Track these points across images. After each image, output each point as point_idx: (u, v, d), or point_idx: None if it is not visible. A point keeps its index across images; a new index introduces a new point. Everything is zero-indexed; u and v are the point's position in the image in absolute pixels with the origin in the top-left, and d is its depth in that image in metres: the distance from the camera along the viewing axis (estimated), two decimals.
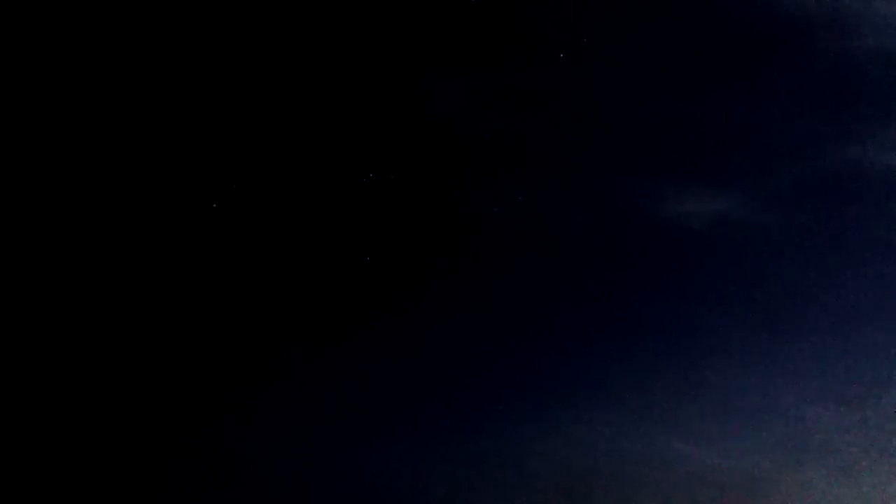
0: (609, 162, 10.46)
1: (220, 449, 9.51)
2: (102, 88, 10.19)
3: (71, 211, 9.96)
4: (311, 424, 9.70)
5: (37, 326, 9.68)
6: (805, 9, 10.37)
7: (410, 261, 10.25)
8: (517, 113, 10.53)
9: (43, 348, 9.64)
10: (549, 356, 10.08)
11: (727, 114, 10.45)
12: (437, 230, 10.36)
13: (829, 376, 9.88)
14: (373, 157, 10.39)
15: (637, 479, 9.64)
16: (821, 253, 10.17)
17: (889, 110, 10.27)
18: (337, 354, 9.92)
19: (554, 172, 10.45)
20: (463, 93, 10.45)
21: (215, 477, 9.39)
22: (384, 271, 10.20)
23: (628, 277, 10.25)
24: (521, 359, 10.06)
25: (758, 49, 10.48)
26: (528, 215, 10.35)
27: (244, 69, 10.39)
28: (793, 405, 9.82)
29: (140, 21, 10.28)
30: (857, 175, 10.26)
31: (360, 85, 10.48)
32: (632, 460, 9.71)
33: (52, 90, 10.12)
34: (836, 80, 10.38)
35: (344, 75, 10.48)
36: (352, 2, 10.48)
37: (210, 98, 10.31)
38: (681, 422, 9.80)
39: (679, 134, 10.45)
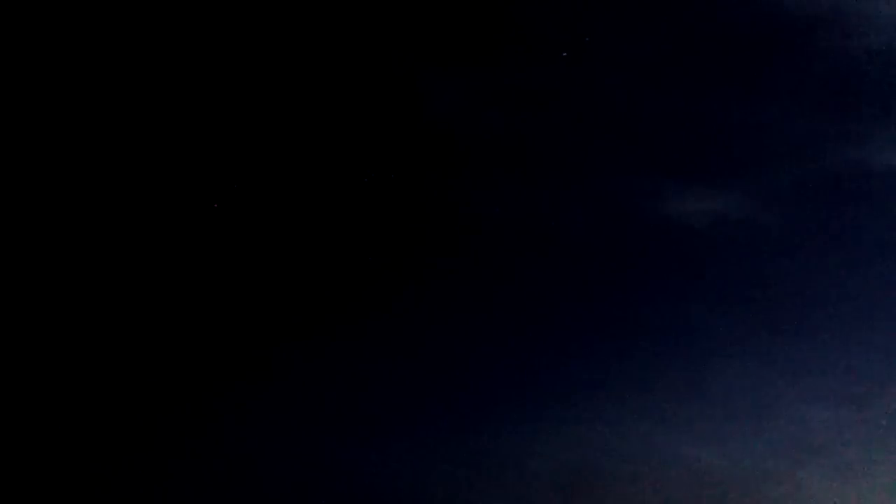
0: (609, 161, 10.46)
1: (220, 449, 9.52)
2: (103, 89, 10.19)
3: (72, 210, 9.97)
4: (311, 424, 9.71)
5: (37, 326, 9.68)
6: (805, 8, 10.37)
7: (410, 260, 10.25)
8: (517, 113, 10.53)
9: (43, 348, 9.64)
10: (549, 356, 10.09)
11: (727, 113, 10.44)
12: (437, 230, 10.36)
13: (830, 376, 9.88)
14: (373, 157, 10.40)
15: (637, 479, 9.65)
16: (821, 252, 10.17)
17: (890, 110, 10.27)
18: (337, 354, 9.93)
19: (554, 172, 10.45)
20: (463, 93, 10.45)
21: (215, 477, 9.40)
22: (384, 271, 10.20)
23: (628, 277, 10.26)
24: (521, 358, 10.06)
25: (758, 49, 10.48)
26: (529, 215, 10.35)
27: (244, 69, 10.39)
28: (793, 404, 9.82)
29: (140, 21, 10.28)
30: (857, 175, 10.26)
31: (360, 85, 10.48)
32: (632, 460, 9.71)
33: (53, 91, 10.12)
34: (836, 79, 10.38)
35: (344, 75, 10.48)
36: (352, 2, 10.48)
37: (210, 98, 10.31)
38: (681, 421, 9.80)
39: (679, 133, 10.45)
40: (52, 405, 9.51)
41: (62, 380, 9.60)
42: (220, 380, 9.72)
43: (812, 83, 10.43)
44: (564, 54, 10.08)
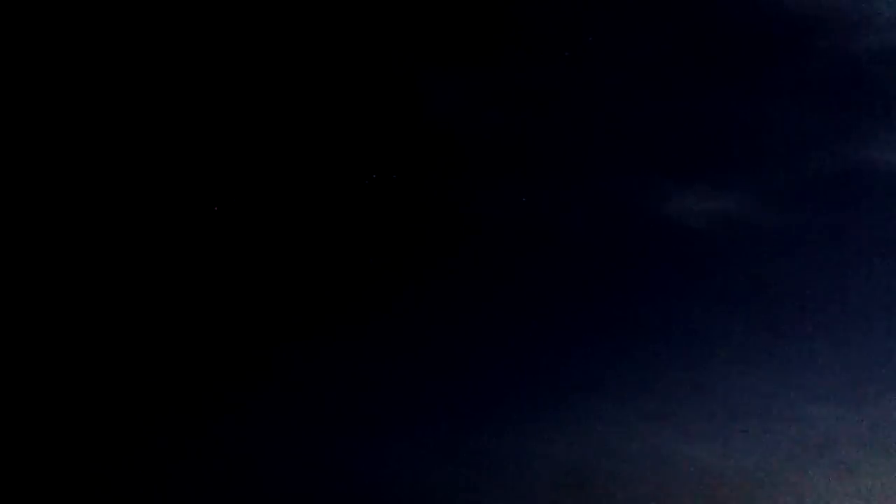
0: (609, 161, 10.46)
1: (221, 449, 9.52)
2: (104, 91, 10.20)
3: (73, 212, 9.97)
4: (311, 424, 9.71)
5: (39, 327, 9.68)
6: (805, 8, 10.37)
7: (410, 260, 10.25)
8: (517, 113, 10.53)
9: (44, 349, 9.64)
10: (549, 356, 10.08)
11: (727, 113, 10.45)
12: (437, 230, 10.36)
13: (830, 375, 9.88)
14: (373, 157, 10.40)
15: (638, 479, 9.65)
16: (822, 252, 10.17)
17: (890, 110, 10.27)
18: (337, 354, 9.93)
19: (554, 172, 10.46)
20: (463, 93, 10.45)
21: (215, 477, 9.40)
22: (384, 271, 10.20)
23: (628, 277, 10.26)
24: (521, 358, 10.06)
25: (758, 48, 10.48)
26: (529, 215, 10.35)
27: (244, 70, 10.39)
28: (794, 404, 9.82)
29: (140, 24, 10.28)
30: (858, 174, 10.26)
31: (360, 85, 10.48)
32: (633, 460, 9.71)
33: (54, 93, 10.12)
34: (837, 79, 10.38)
35: (344, 75, 10.48)
36: (352, 2, 10.48)
37: (210, 100, 10.31)
38: (681, 421, 9.80)
39: (679, 133, 10.45)
40: (52, 406, 9.51)
41: (63, 381, 9.60)
42: (221, 380, 9.73)
43: (812, 83, 10.43)
44: (567, 54, 10.08)
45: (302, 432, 9.65)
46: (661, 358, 10.01)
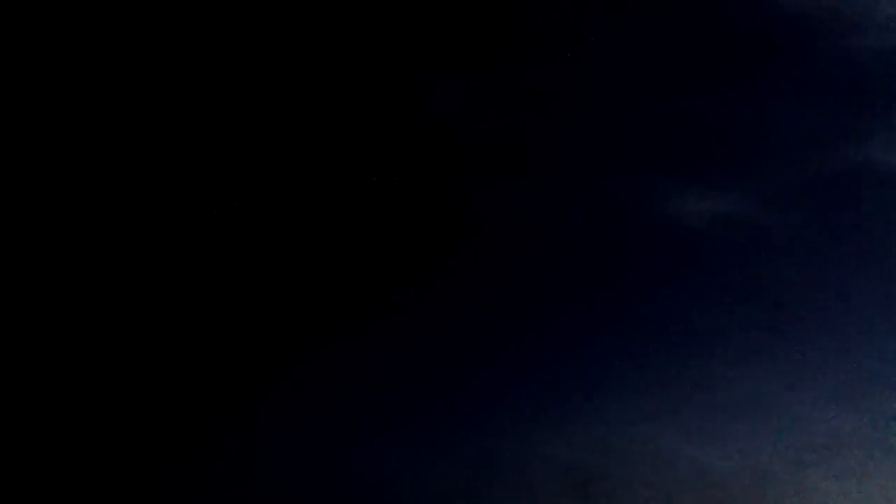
0: (609, 161, 10.46)
1: (221, 449, 9.49)
2: (104, 95, 10.19)
3: (75, 215, 9.97)
4: (312, 424, 9.69)
5: (40, 329, 9.67)
6: (806, 8, 10.39)
7: (411, 261, 10.24)
8: (517, 113, 10.54)
9: (46, 351, 9.63)
10: (550, 356, 10.07)
11: (728, 113, 10.46)
12: (438, 230, 10.35)
13: (832, 376, 9.87)
14: (373, 157, 10.39)
15: (639, 480, 9.63)
16: (823, 252, 10.17)
17: (891, 109, 10.28)
18: (338, 354, 9.91)
19: (554, 172, 10.45)
20: (463, 93, 10.45)
21: (216, 477, 9.37)
22: (385, 271, 10.19)
23: (629, 277, 10.25)
24: (522, 359, 10.05)
25: (759, 48, 10.49)
26: (529, 215, 10.34)
27: (244, 71, 10.39)
28: (795, 405, 9.81)
29: (141, 28, 10.28)
30: (859, 174, 10.27)
31: (361, 85, 10.48)
32: (634, 461, 9.69)
33: (54, 98, 10.12)
34: (837, 79, 10.40)
35: (344, 76, 10.48)
36: (352, 2, 10.48)
37: (210, 101, 10.30)
38: (682, 422, 9.79)
39: (680, 133, 10.46)
40: (53, 406, 9.50)
41: (63, 381, 9.59)
42: (222, 380, 9.71)
43: (812, 83, 10.44)
44: (568, 54, 10.09)
45: (302, 432, 9.64)
46: (663, 358, 10.01)
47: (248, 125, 10.34)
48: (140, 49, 10.28)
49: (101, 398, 9.56)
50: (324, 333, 9.94)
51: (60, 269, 9.86)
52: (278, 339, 9.89)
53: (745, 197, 10.32)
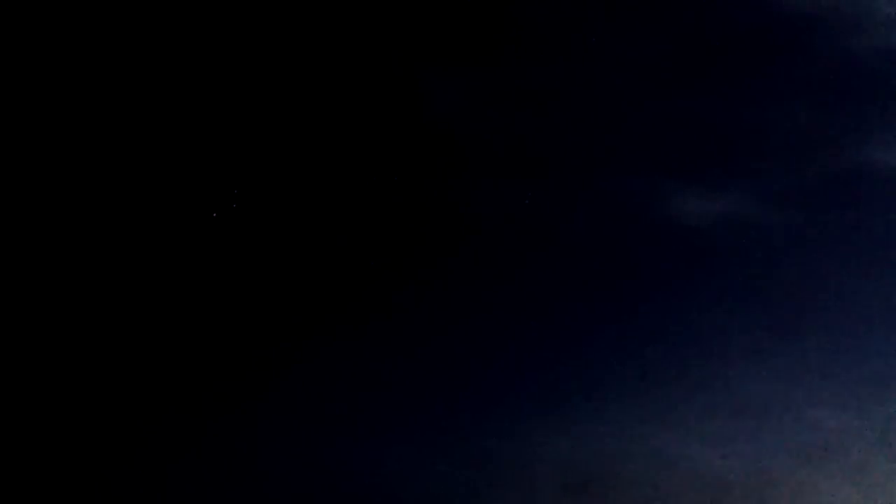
0: (610, 162, 10.46)
1: (221, 449, 9.48)
2: (103, 97, 10.19)
3: (75, 217, 9.96)
4: (312, 424, 9.68)
5: (40, 330, 9.67)
6: (806, 7, 10.39)
7: (411, 261, 10.24)
8: (517, 113, 10.54)
9: (46, 352, 9.63)
10: (550, 356, 10.07)
11: (728, 113, 10.46)
12: (438, 230, 10.35)
13: (834, 376, 9.87)
14: (373, 157, 10.39)
15: (641, 481, 9.62)
16: (825, 252, 10.18)
17: (891, 109, 10.29)
18: (338, 354, 9.90)
19: (555, 172, 10.45)
20: (463, 93, 10.45)
21: (215, 477, 9.36)
22: (385, 271, 10.19)
23: (630, 277, 10.25)
24: (522, 359, 10.04)
25: (760, 48, 10.50)
26: (529, 215, 10.34)
27: (244, 71, 10.38)
28: (796, 405, 9.81)
29: (140, 29, 10.28)
30: (859, 174, 10.27)
31: (361, 85, 10.48)
32: (635, 462, 9.68)
33: (53, 99, 10.11)
34: (838, 78, 10.41)
35: (344, 76, 10.48)
36: (352, 2, 10.48)
37: (209, 101, 10.30)
38: (684, 422, 9.78)
39: (681, 133, 10.46)
40: (53, 406, 9.49)
41: (64, 383, 9.58)
42: (222, 380, 9.70)
43: (812, 83, 10.45)
44: (565, 54, 10.08)
45: (302, 432, 9.63)
46: (664, 359, 10.00)
47: (248, 126, 10.33)
48: (139, 50, 10.28)
49: (102, 398, 9.55)
50: (324, 333, 9.93)
51: (60, 270, 9.85)
52: (278, 339, 9.88)
53: (745, 197, 10.32)
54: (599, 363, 10.05)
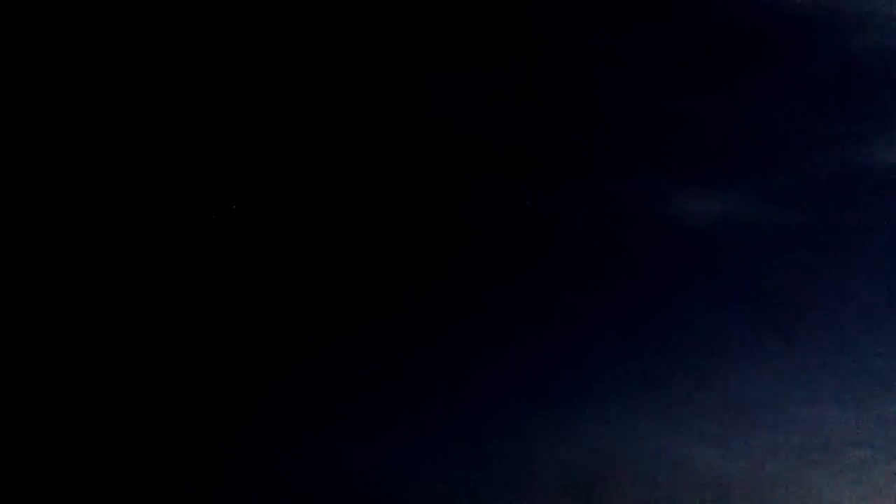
0: (610, 162, 10.46)
1: (221, 449, 9.48)
2: (103, 100, 10.19)
3: (75, 219, 9.97)
4: (312, 424, 9.68)
5: (41, 331, 9.68)
6: (806, 8, 10.39)
7: (411, 261, 10.24)
8: (518, 114, 10.54)
9: (47, 353, 9.63)
10: (551, 357, 10.06)
11: (729, 113, 10.45)
12: (438, 231, 10.35)
13: (834, 376, 9.86)
14: (373, 158, 10.39)
15: (644, 481, 9.61)
16: (825, 252, 10.17)
17: (892, 109, 10.28)
18: (338, 354, 9.90)
19: (556, 173, 10.45)
20: (463, 93, 10.45)
21: (216, 477, 9.36)
22: (386, 272, 10.18)
23: (630, 277, 10.24)
24: (523, 359, 10.04)
25: (760, 48, 10.49)
26: (530, 216, 10.34)
27: (244, 71, 10.39)
28: (798, 405, 9.79)
29: (140, 32, 10.28)
30: (860, 174, 10.27)
31: (362, 86, 10.48)
32: (638, 462, 9.68)
33: (54, 102, 10.12)
34: (838, 79, 10.39)
35: (345, 76, 10.48)
36: (353, 2, 10.48)
37: (209, 102, 10.30)
38: (685, 422, 9.77)
39: (681, 133, 10.45)
40: (53, 407, 9.49)
41: (65, 384, 9.59)
42: (222, 380, 9.71)
43: (813, 83, 10.44)
44: (572, 53, 10.07)
45: (302, 432, 9.63)
46: (667, 359, 10.00)
47: (248, 126, 10.34)
48: (139, 52, 10.28)
49: (102, 399, 9.55)
50: (324, 333, 9.93)
51: (61, 271, 9.86)
52: (278, 339, 9.88)
53: (746, 197, 10.32)
54: (599, 363, 10.05)
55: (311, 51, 10.45)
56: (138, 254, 9.98)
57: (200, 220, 10.07)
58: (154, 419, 9.52)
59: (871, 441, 9.65)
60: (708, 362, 9.99)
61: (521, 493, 9.55)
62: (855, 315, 10.02)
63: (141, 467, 9.33)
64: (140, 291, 9.92)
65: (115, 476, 9.29)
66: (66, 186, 10.01)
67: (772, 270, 10.18)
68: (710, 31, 10.50)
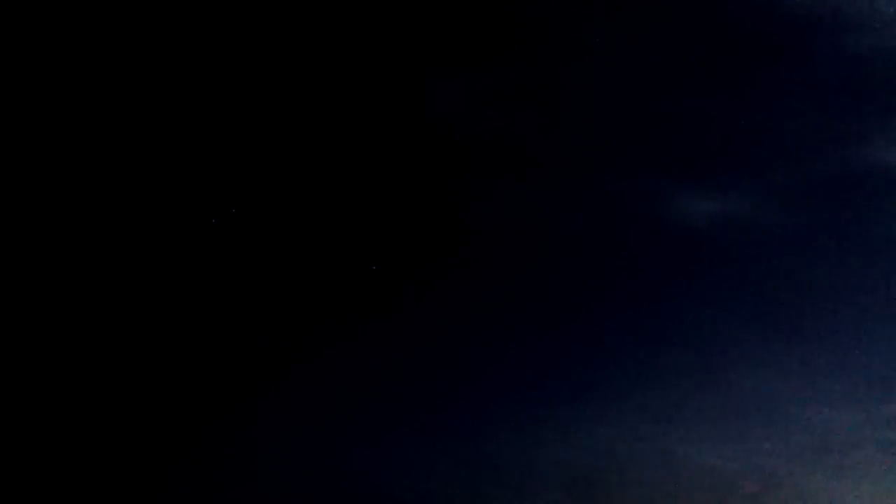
0: (611, 162, 10.46)
1: (221, 449, 9.50)
2: (103, 102, 10.20)
3: (75, 221, 9.98)
4: (312, 424, 9.69)
5: (42, 332, 9.69)
6: (805, 8, 10.38)
7: (411, 261, 10.24)
8: (518, 114, 10.53)
9: (48, 354, 9.65)
10: (553, 357, 10.07)
11: (729, 113, 10.45)
12: (438, 231, 10.35)
13: (836, 376, 9.86)
14: (373, 159, 10.39)
15: (646, 481, 9.62)
16: (826, 252, 10.16)
17: (890, 110, 10.27)
18: (338, 355, 9.91)
19: (556, 173, 10.45)
20: (464, 93, 10.45)
21: (215, 477, 9.37)
22: (386, 272, 10.19)
23: (633, 277, 10.24)
24: (525, 360, 10.05)
25: (761, 48, 10.48)
26: (531, 216, 10.34)
27: (244, 72, 10.39)
28: (800, 405, 9.80)
29: (140, 35, 10.29)
30: (861, 174, 10.26)
31: (362, 87, 10.49)
32: (641, 462, 9.69)
33: (54, 104, 10.12)
34: (839, 78, 10.38)
35: (345, 77, 10.49)
36: (353, 2, 10.49)
37: (209, 103, 10.31)
38: (686, 422, 9.78)
39: (682, 133, 10.45)
40: (54, 407, 9.51)
41: (66, 384, 9.60)
42: (223, 380, 9.72)
43: (813, 83, 10.43)
44: (572, 53, 10.07)
45: (302, 432, 9.65)
46: (667, 360, 10.00)
47: (248, 127, 10.34)
48: (139, 53, 10.29)
49: (103, 399, 9.57)
50: (324, 334, 9.94)
51: (62, 273, 9.87)
52: (278, 339, 9.89)
53: (745, 197, 10.31)
54: (599, 363, 10.05)
55: (311, 51, 10.46)
56: (139, 256, 9.99)
57: (201, 223, 10.09)
58: (154, 419, 9.54)
59: (873, 441, 9.64)
60: (709, 362, 9.99)
61: (521, 493, 9.56)
62: (855, 314, 10.02)
63: (141, 467, 9.34)
64: (141, 293, 9.93)
65: (115, 476, 9.31)
66: (67, 189, 10.02)
67: (772, 270, 10.18)
68: (711, 31, 10.50)
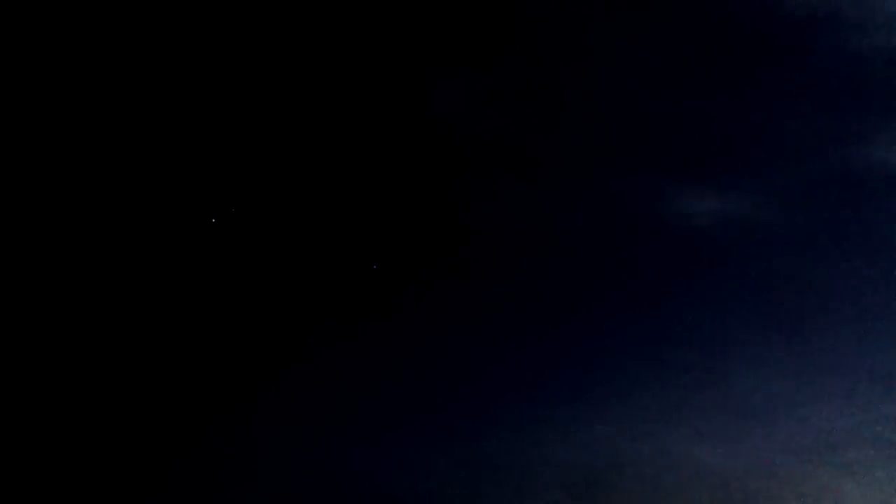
0: (612, 162, 10.46)
1: (222, 449, 9.50)
2: (103, 102, 10.20)
3: (75, 221, 9.98)
4: (312, 424, 9.69)
5: (42, 333, 9.69)
6: (805, 8, 10.37)
7: (411, 261, 10.24)
8: (518, 114, 10.53)
9: (48, 354, 9.65)
10: (553, 357, 10.06)
11: (730, 113, 10.44)
12: (438, 231, 10.35)
13: (836, 376, 9.85)
14: (373, 159, 10.40)
15: (647, 481, 9.61)
16: (826, 252, 10.15)
17: (890, 110, 10.26)
18: (338, 355, 9.91)
19: (557, 173, 10.45)
20: (464, 93, 10.45)
21: (215, 477, 9.37)
22: (386, 272, 10.19)
23: (632, 277, 10.24)
24: (523, 360, 10.04)
25: (761, 48, 10.48)
26: (531, 216, 10.34)
27: (243, 72, 10.39)
28: (800, 404, 9.79)
29: (139, 34, 10.29)
30: (862, 174, 10.25)
31: (361, 86, 10.49)
32: (641, 461, 9.68)
33: (52, 104, 10.13)
34: (840, 78, 10.37)
35: (345, 77, 10.49)
36: (353, 2, 10.49)
37: (208, 103, 10.31)
38: (687, 422, 9.77)
39: (682, 133, 10.44)
40: (54, 408, 9.51)
41: (66, 384, 9.60)
42: (223, 380, 9.73)
43: (813, 83, 10.43)
44: (572, 53, 10.07)
45: (302, 432, 9.65)
46: (668, 359, 9.99)
47: (248, 127, 10.35)
48: (138, 53, 10.29)
49: (103, 399, 9.57)
50: (324, 334, 9.94)
51: (62, 273, 9.87)
52: (278, 339, 9.89)
53: (746, 197, 10.31)
54: (600, 363, 10.05)
55: (311, 51, 10.46)
56: (139, 256, 9.99)
57: (201, 223, 10.09)
58: (154, 419, 9.54)
59: (873, 440, 9.64)
60: (710, 362, 9.99)
61: (521, 493, 9.56)
62: (856, 314, 10.00)
63: (141, 467, 9.34)
64: (141, 293, 9.93)
65: (115, 476, 9.31)
66: (67, 189, 10.02)
67: (772, 270, 10.17)
68: (711, 31, 10.50)
